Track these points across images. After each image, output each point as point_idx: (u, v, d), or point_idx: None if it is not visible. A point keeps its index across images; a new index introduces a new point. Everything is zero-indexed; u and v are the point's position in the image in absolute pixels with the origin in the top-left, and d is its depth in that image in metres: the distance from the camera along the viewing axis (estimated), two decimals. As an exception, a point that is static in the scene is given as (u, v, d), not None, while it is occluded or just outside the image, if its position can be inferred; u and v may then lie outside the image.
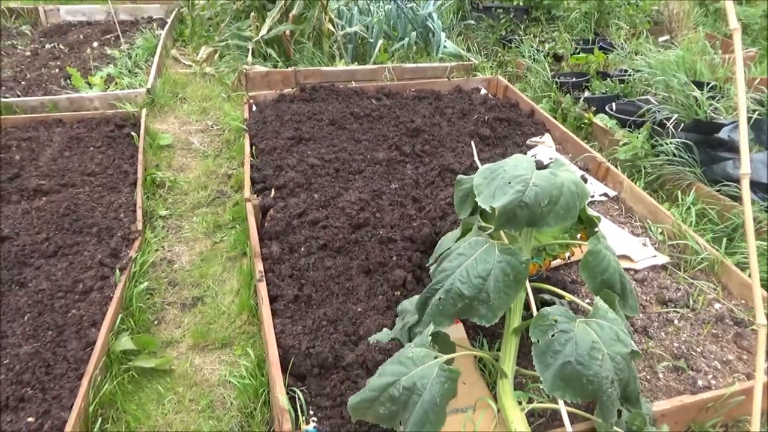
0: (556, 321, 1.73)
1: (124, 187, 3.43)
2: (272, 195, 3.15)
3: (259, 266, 2.54)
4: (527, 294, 2.16)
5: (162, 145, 4.22)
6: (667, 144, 3.64)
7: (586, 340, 1.68)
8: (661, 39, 6.19)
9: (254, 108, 4.36)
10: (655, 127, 3.87)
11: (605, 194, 3.49)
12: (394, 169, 3.48)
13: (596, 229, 2.17)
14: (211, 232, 3.37)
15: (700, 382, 2.19)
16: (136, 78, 5.04)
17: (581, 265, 2.02)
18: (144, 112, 4.24)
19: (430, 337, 1.87)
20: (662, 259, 2.89)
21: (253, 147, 3.70)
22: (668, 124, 3.76)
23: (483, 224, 2.32)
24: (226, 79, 5.26)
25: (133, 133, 3.99)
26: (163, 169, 3.94)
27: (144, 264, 2.92)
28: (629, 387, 1.84)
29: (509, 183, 1.98)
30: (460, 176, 2.43)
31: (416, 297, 2.15)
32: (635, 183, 3.54)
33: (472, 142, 3.49)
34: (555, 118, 4.54)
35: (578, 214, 2.25)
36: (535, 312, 2.00)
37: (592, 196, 3.47)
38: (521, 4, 5.98)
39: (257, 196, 3.18)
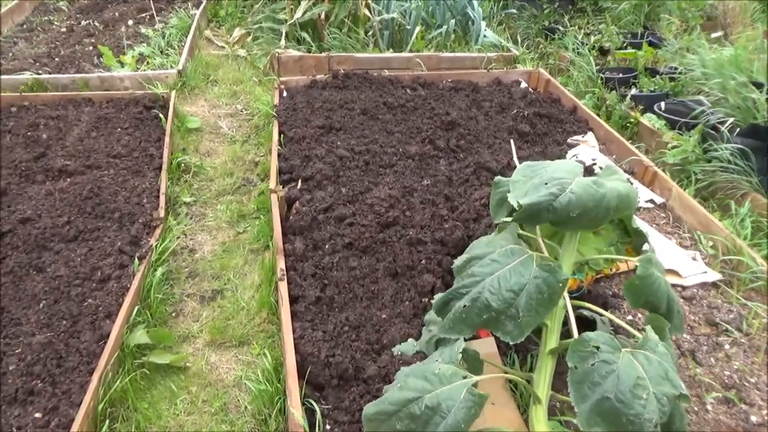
0: (597, 348, 1.57)
1: (149, 171, 3.34)
2: (298, 187, 3.02)
3: (281, 263, 2.42)
4: (566, 311, 1.99)
5: (190, 128, 4.13)
6: (721, 150, 3.39)
7: (630, 375, 1.51)
8: (713, 35, 5.83)
9: (285, 93, 4.23)
10: (707, 130, 3.61)
11: (652, 201, 3.27)
12: (427, 165, 3.32)
13: (645, 247, 1.98)
14: (234, 221, 3.27)
15: (753, 418, 1.99)
16: (168, 58, 4.96)
17: (626, 287, 1.85)
18: (173, 94, 4.15)
19: (461, 355, 1.73)
20: (713, 275, 2.67)
21: (282, 135, 3.58)
22: (723, 129, 3.50)
23: (521, 232, 2.16)
24: (258, 62, 5.14)
25: (161, 115, 3.91)
26: (189, 153, 3.85)
27: (164, 252, 2.83)
28: (674, 425, 1.66)
29: (545, 183, 1.82)
30: (498, 178, 2.26)
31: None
32: (685, 190, 3.31)
33: (512, 140, 3.30)
34: (598, 115, 4.31)
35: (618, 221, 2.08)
36: (574, 331, 1.83)
37: (638, 203, 3.25)
38: (567, -7, 5.72)
39: (283, 187, 3.06)
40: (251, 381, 2.20)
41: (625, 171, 3.51)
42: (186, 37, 5.48)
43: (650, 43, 5.20)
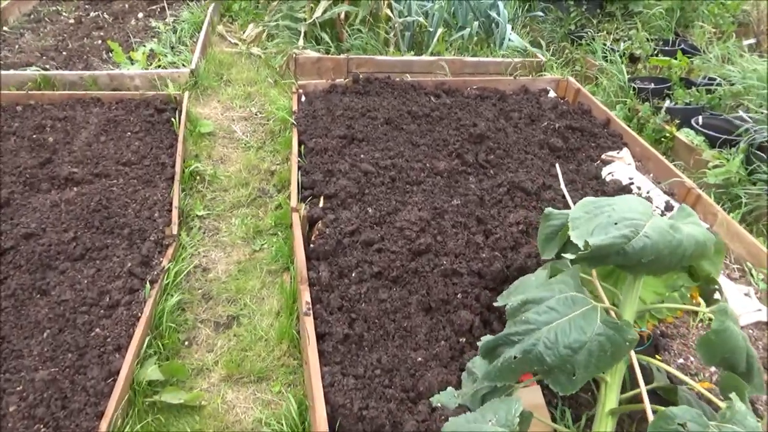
0: (683, 426, 1.37)
1: (161, 182, 3.15)
2: (321, 205, 2.83)
3: (306, 296, 2.22)
4: (629, 364, 1.80)
5: (203, 132, 3.93)
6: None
7: (723, 460, 1.32)
8: (745, 42, 5.61)
9: (303, 99, 4.03)
10: (753, 151, 3.41)
11: (695, 226, 3.06)
12: (456, 182, 3.12)
13: (717, 295, 1.78)
14: (250, 237, 3.07)
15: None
16: (179, 56, 4.75)
17: (701, 343, 1.66)
18: (186, 95, 3.95)
19: (518, 419, 1.54)
20: (769, 315, 2.48)
21: (301, 145, 3.38)
22: (771, 149, 3.30)
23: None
24: (273, 61, 4.93)
25: (173, 118, 3.71)
26: (202, 160, 3.66)
27: (178, 274, 2.64)
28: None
29: (615, 223, 1.63)
30: (549, 210, 2.07)
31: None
32: (729, 214, 3.10)
33: (557, 165, 3.10)
34: (629, 127, 4.10)
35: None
36: (644, 393, 1.63)
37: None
38: (595, -4, 5.49)
39: (304, 204, 2.86)
40: (272, 427, 2.01)
41: (665, 192, 3.31)
42: (198, 33, 5.28)
43: (683, 51, 4.97)
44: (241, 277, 2.81)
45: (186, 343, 2.43)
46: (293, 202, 2.79)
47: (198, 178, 3.47)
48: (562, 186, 2.96)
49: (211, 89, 4.57)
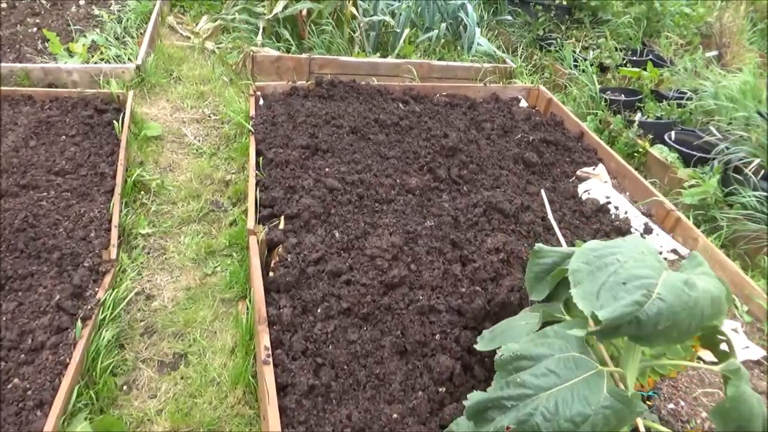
0: None
1: (99, 195, 2.80)
2: (282, 227, 2.55)
3: (265, 339, 1.95)
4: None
5: (149, 136, 3.57)
6: (746, 196, 3.09)
7: None
8: (708, 54, 5.61)
9: (261, 102, 3.71)
10: (730, 173, 3.31)
11: (675, 251, 2.94)
12: (429, 200, 2.90)
13: (730, 356, 1.61)
14: (201, 259, 2.77)
15: None
16: (124, 50, 4.34)
17: (715, 412, 1.48)
18: (131, 95, 3.57)
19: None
20: (757, 352, 2.36)
21: (260, 156, 3.08)
22: (748, 171, 3.21)
23: (568, 318, 1.77)
24: (229, 58, 4.58)
25: (115, 120, 3.34)
26: (148, 168, 3.31)
27: (116, 305, 2.31)
28: None
29: (623, 283, 1.43)
30: (539, 246, 1.86)
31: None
32: (708, 236, 2.99)
33: (542, 191, 2.91)
34: (601, 139, 3.97)
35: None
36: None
37: (660, 254, 2.92)
38: (564, 2, 5.35)
39: (263, 226, 2.58)
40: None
41: (643, 213, 3.18)
42: (146, 24, 4.87)
43: (652, 63, 4.91)
44: (190, 306, 2.51)
45: (124, 388, 2.12)
46: (250, 223, 2.50)
47: (143, 188, 3.12)
48: (550, 216, 2.76)
49: (159, 87, 4.19)
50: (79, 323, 2.08)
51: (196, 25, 5.28)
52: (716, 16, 5.95)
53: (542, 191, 2.90)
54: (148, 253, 2.76)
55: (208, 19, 5.19)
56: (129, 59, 4.16)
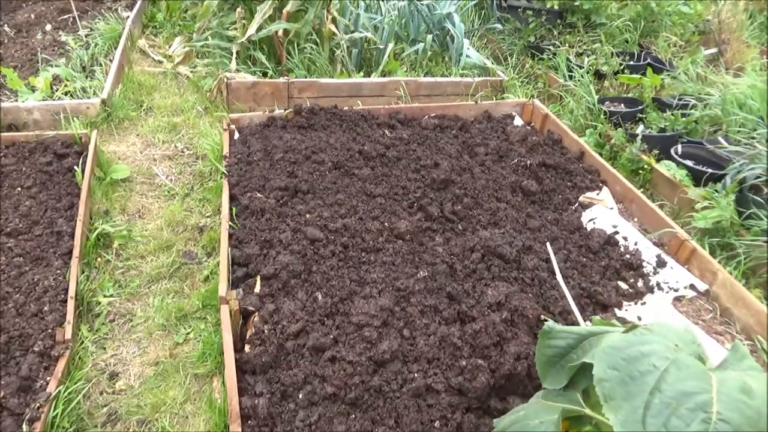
0: None
1: (55, 258, 2.52)
2: (257, 290, 2.28)
3: (237, 443, 1.68)
4: None
5: (117, 179, 3.29)
6: (766, 218, 2.84)
7: None
8: (706, 51, 5.36)
9: (237, 135, 3.44)
10: (744, 190, 3.06)
11: (693, 286, 2.68)
12: (421, 245, 2.63)
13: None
14: (172, 325, 2.49)
15: None
16: (90, 81, 4.06)
17: None
18: (94, 135, 3.30)
19: None
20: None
21: (234, 201, 2.81)
22: (767, 190, 2.96)
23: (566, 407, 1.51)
24: (203, 84, 4.31)
25: (76, 167, 3.06)
26: (114, 217, 3.03)
27: (71, 398, 2.04)
28: None
29: (672, 404, 1.16)
30: (549, 326, 1.60)
31: None
32: (725, 267, 2.73)
33: (548, 244, 2.64)
34: (601, 155, 3.72)
35: None
36: None
37: (676, 290, 2.66)
38: (555, 6, 5.08)
39: (237, 288, 2.31)
40: None
41: (655, 244, 2.92)
42: (116, 48, 4.58)
43: (651, 67, 4.65)
44: (159, 384, 2.24)
45: (82, 496, 1.86)
46: (222, 289, 2.23)
47: (107, 243, 2.85)
48: (558, 276, 2.49)
49: (128, 121, 3.91)
50: (25, 427, 1.80)
51: (169, 47, 5.00)
52: (714, 12, 5.70)
53: (547, 244, 2.64)
54: (113, 321, 2.49)
55: (182, 41, 4.92)
56: (95, 93, 3.88)
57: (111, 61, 4.39)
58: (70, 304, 2.26)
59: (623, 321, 2.37)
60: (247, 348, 2.08)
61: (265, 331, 2.06)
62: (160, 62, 4.80)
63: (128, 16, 5.21)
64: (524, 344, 2.02)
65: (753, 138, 3.43)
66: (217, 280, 2.62)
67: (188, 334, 2.46)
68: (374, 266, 2.42)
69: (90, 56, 4.48)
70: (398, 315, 2.16)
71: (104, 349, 2.35)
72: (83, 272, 2.56)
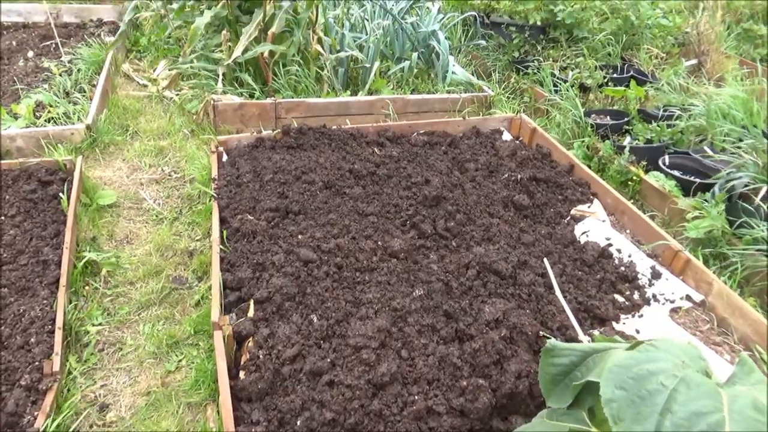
0: None
1: (42, 288, 2.46)
2: (251, 314, 2.23)
3: (235, 476, 1.63)
4: None
5: (103, 205, 3.24)
6: (759, 227, 2.85)
7: None
8: (687, 63, 5.45)
9: (225, 158, 3.41)
10: (734, 199, 3.08)
11: (689, 297, 2.68)
12: (415, 263, 2.61)
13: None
14: (163, 352, 2.43)
15: None
16: (75, 106, 4.01)
17: None
18: (79, 161, 3.24)
19: None
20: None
21: (224, 224, 2.77)
22: (757, 199, 2.97)
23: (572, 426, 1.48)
24: (189, 107, 4.28)
25: (61, 193, 3.01)
26: (102, 244, 2.98)
27: (63, 426, 1.97)
28: None
29: (682, 424, 1.14)
30: (552, 344, 1.58)
31: None
32: (720, 277, 2.73)
33: (545, 260, 2.63)
34: (590, 167, 3.73)
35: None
36: None
37: (672, 301, 2.66)
38: (538, 22, 5.14)
39: (231, 313, 2.26)
40: None
41: (649, 255, 2.92)
42: (99, 74, 4.55)
43: (635, 79, 4.71)
44: (151, 414, 2.17)
45: None
46: (215, 314, 2.18)
47: (95, 270, 2.79)
48: (557, 292, 2.47)
49: (114, 146, 3.87)
50: (11, 467, 1.74)
51: (154, 71, 4.98)
52: (693, 24, 5.80)
53: (545, 260, 2.62)
54: (102, 350, 2.42)
55: (166, 64, 4.89)
56: (79, 118, 3.84)
57: (95, 86, 4.35)
58: (58, 335, 2.20)
59: (622, 335, 2.36)
60: (242, 374, 2.03)
61: (261, 357, 2.02)
62: (145, 86, 4.77)
63: (111, 41, 5.19)
64: (524, 362, 1.99)
65: (738, 147, 3.47)
66: (209, 305, 2.58)
67: (180, 361, 2.40)
68: (369, 286, 2.39)
69: (73, 82, 4.44)
70: (396, 335, 2.13)
71: (93, 380, 2.28)
72: (71, 301, 2.49)
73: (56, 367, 2.08)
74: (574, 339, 2.26)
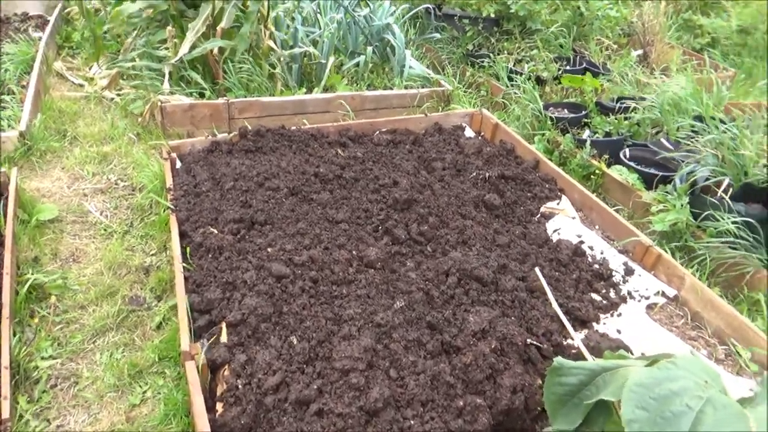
0: None
1: (-19, 321, 2.20)
2: (224, 339, 2.07)
3: None
4: None
5: (44, 220, 2.96)
6: (722, 220, 2.90)
7: None
8: (634, 53, 5.57)
9: (179, 164, 3.18)
10: (702, 194, 3.13)
11: (663, 293, 2.69)
12: (393, 272, 2.50)
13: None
14: (125, 384, 2.23)
15: None
16: (4, 111, 3.66)
17: None
18: (14, 174, 2.94)
19: None
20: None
21: (185, 240, 2.57)
22: (720, 191, 3.03)
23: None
24: (133, 107, 3.99)
25: (-4, 211, 2.72)
26: (45, 264, 2.72)
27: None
28: None
29: None
30: (559, 361, 1.51)
31: None
32: (688, 269, 2.76)
33: (537, 270, 2.55)
34: (551, 160, 3.73)
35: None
36: None
37: (647, 298, 2.67)
38: (491, 14, 5.10)
39: (200, 340, 2.09)
40: None
41: (620, 252, 2.93)
42: (29, 74, 4.18)
43: (587, 70, 4.75)
44: (117, 456, 1.98)
45: None
46: (184, 341, 2.00)
47: (41, 295, 2.54)
48: (551, 300, 2.40)
49: (51, 153, 3.55)
50: None
51: (90, 69, 4.63)
52: (637, 15, 5.93)
53: (537, 270, 2.56)
54: (55, 386, 2.19)
55: (104, 61, 4.55)
56: (10, 125, 3.50)
57: (25, 87, 4.00)
58: (5, 375, 1.97)
59: (604, 336, 2.33)
60: (219, 407, 1.87)
61: (240, 387, 1.86)
62: (81, 86, 4.43)
63: (41, 37, 4.79)
64: (518, 375, 1.93)
65: (692, 138, 3.53)
66: (173, 327, 2.41)
67: (145, 392, 2.20)
68: (348, 300, 2.27)
69: (0, 83, 4.06)
70: (382, 354, 2.02)
71: (48, 420, 2.06)
72: (15, 334, 2.25)
73: (5, 414, 1.85)
74: (560, 344, 2.22)
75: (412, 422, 1.77)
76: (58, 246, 2.87)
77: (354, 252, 2.54)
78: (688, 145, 3.46)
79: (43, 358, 2.27)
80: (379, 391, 1.80)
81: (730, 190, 3.05)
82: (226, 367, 1.97)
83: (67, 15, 5.23)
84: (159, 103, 3.62)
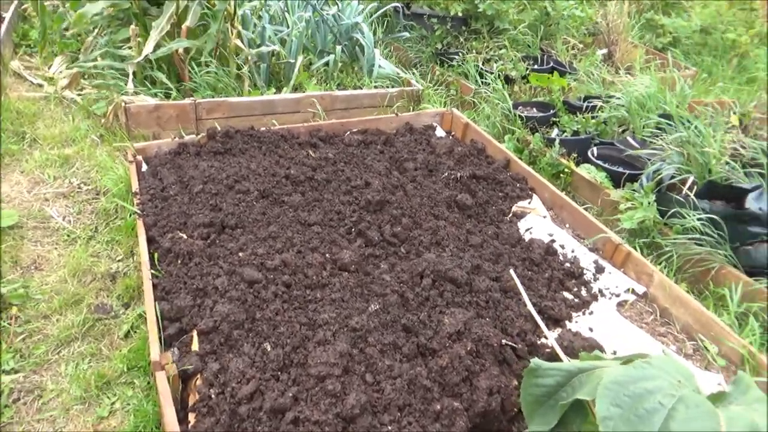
0: None
1: (-63, 334, 2.10)
2: (196, 347, 2.02)
3: None
4: None
5: (3, 227, 2.85)
6: (689, 217, 2.96)
7: None
8: (598, 52, 5.67)
9: (144, 167, 3.10)
10: (663, 190, 3.20)
11: (633, 290, 2.74)
12: (367, 275, 2.48)
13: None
14: (93, 396, 2.16)
15: None
16: (-44, 112, 3.52)
17: None
18: (-30, 179, 2.83)
19: None
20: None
21: (153, 245, 2.50)
22: (685, 189, 3.10)
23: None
24: (96, 108, 3.87)
25: (-49, 218, 2.60)
26: (6, 273, 2.61)
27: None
28: None
29: None
30: (536, 363, 1.52)
31: None
32: (656, 265, 2.82)
33: (512, 271, 2.55)
34: (521, 159, 3.76)
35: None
36: None
37: (618, 295, 2.71)
38: (459, 13, 5.11)
39: (170, 349, 2.04)
40: None
41: (591, 250, 2.97)
42: (-16, 74, 4.02)
43: (554, 69, 4.81)
44: (85, 471, 1.92)
45: None
46: (154, 351, 1.95)
47: (0, 306, 2.44)
48: (526, 301, 2.39)
49: (9, 156, 3.42)
50: None
51: (49, 68, 4.47)
52: (602, 15, 6.03)
53: (511, 271, 2.56)
54: (18, 400, 2.11)
55: (63, 60, 4.41)
56: (-36, 127, 3.36)
57: (-20, 87, 3.84)
58: (-36, 391, 1.88)
59: (577, 335, 2.36)
60: (191, 418, 1.83)
61: (213, 397, 1.82)
62: (40, 86, 4.27)
63: (-5, 35, 4.61)
64: (494, 376, 1.93)
65: (658, 136, 3.60)
66: (142, 335, 2.35)
67: (114, 404, 2.13)
68: (323, 305, 2.24)
69: (-47, 83, 3.90)
70: (358, 358, 2.00)
71: (11, 437, 1.98)
72: (-25, 347, 2.16)
73: (-35, 432, 1.77)
74: (535, 344, 2.24)
75: (389, 428, 1.75)
76: (18, 253, 2.77)
77: (327, 255, 2.52)
78: (654, 143, 3.53)
79: (4, 372, 2.19)
80: (355, 397, 1.78)
81: (695, 187, 3.12)
82: (198, 376, 1.92)
83: (24, 12, 5.04)
84: (123, 104, 3.52)
